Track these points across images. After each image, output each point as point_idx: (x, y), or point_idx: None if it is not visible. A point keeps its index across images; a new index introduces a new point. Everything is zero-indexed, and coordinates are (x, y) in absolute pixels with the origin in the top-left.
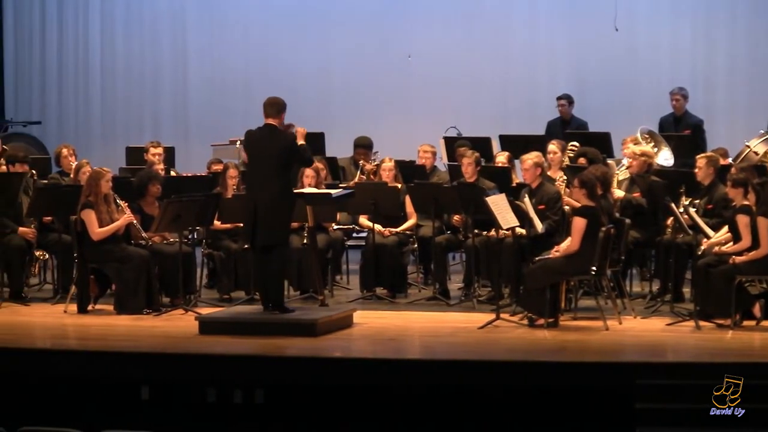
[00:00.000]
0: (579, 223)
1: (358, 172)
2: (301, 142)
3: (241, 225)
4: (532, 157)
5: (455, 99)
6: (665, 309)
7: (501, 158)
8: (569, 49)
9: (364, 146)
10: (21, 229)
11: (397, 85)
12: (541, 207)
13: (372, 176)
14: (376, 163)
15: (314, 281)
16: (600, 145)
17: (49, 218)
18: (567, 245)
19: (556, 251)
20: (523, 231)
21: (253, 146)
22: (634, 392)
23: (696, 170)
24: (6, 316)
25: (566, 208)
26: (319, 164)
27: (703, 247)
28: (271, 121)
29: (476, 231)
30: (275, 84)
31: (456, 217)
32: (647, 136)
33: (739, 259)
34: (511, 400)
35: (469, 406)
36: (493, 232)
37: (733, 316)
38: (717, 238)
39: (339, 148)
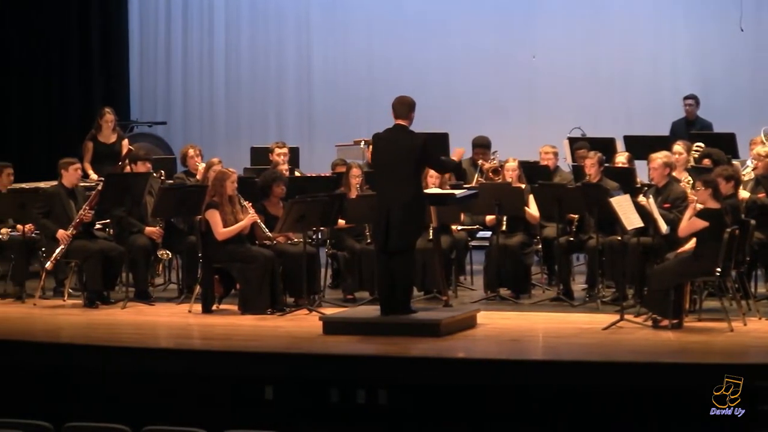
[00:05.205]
0: (698, 223)
1: (477, 173)
2: (454, 158)
3: (365, 225)
4: (661, 156)
5: (579, 99)
6: None
7: (621, 158)
8: (694, 49)
9: (482, 146)
10: (147, 228)
11: (521, 85)
12: (667, 205)
13: (491, 175)
14: (495, 162)
15: (438, 282)
16: (725, 145)
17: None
18: (690, 245)
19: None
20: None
21: (382, 148)
22: (758, 394)
23: None
24: (131, 315)
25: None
26: None
27: None
28: (401, 121)
29: (593, 236)
30: (398, 84)
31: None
32: None
33: None
34: (635, 400)
35: (593, 407)
36: (616, 236)
37: None
38: None
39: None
